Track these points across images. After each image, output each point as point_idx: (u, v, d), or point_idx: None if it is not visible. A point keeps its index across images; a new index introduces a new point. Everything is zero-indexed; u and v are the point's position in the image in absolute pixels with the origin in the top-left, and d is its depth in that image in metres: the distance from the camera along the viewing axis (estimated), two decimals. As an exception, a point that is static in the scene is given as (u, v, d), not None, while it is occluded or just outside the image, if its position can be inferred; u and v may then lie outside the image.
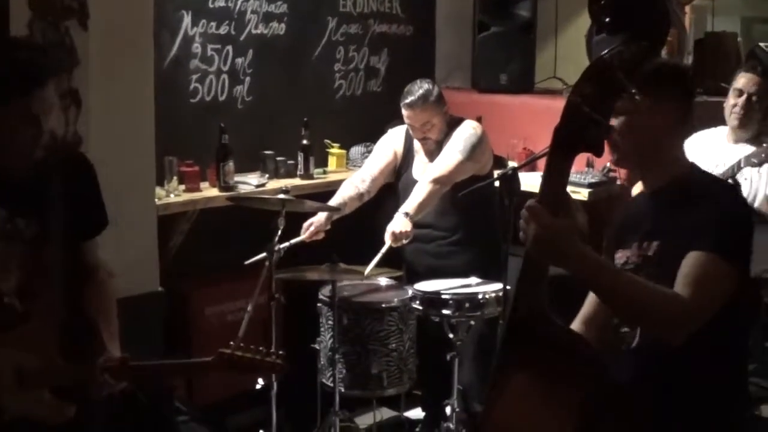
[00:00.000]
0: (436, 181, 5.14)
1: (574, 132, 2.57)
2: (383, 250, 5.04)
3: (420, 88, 5.26)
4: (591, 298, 3.06)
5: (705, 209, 2.76)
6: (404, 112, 5.28)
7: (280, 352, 3.40)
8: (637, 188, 5.07)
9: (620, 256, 2.95)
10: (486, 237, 5.31)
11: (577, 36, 6.71)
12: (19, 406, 3.20)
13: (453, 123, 5.36)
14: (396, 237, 5.02)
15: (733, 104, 5.03)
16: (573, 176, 5.59)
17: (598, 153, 2.58)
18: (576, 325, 3.10)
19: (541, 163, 5.05)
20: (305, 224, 5.23)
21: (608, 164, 5.72)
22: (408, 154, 5.52)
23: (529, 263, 2.69)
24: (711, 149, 5.12)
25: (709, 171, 3.21)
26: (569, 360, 2.68)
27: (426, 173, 5.24)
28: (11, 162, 3.17)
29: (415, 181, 5.34)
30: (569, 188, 5.34)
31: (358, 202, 5.43)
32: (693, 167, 2.99)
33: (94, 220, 3.51)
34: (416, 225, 5.19)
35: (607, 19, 2.59)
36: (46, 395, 3.21)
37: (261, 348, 3.35)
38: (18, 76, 3.06)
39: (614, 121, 2.85)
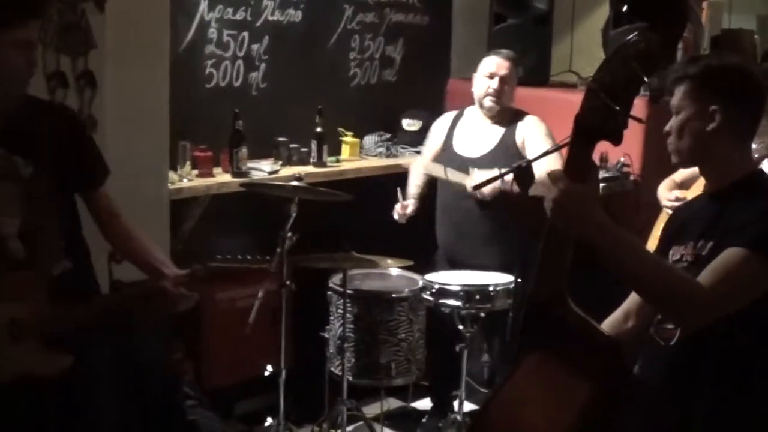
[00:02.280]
0: None
1: (592, 120, 2.57)
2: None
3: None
4: None
5: (751, 207, 2.75)
6: (491, 60, 5.41)
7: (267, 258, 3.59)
8: (663, 185, 5.09)
9: (674, 252, 2.94)
10: (509, 232, 5.25)
11: (594, 30, 6.68)
12: (13, 362, 3.22)
13: (516, 113, 5.43)
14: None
15: None
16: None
17: (616, 142, 2.57)
18: (617, 314, 3.10)
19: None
20: (404, 207, 5.46)
21: (622, 159, 5.71)
22: (450, 132, 5.56)
23: (549, 242, 2.69)
24: None
25: None
26: (582, 349, 2.68)
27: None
28: (7, 92, 3.26)
29: (457, 156, 5.41)
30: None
31: (429, 188, 5.61)
32: (758, 171, 2.98)
33: (100, 167, 3.62)
34: (452, 225, 5.38)
35: (624, 8, 2.59)
36: (39, 346, 3.24)
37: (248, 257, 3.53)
38: (16, 4, 3.21)
39: (671, 122, 2.89)
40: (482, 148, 5.39)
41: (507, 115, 5.40)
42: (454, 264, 5.36)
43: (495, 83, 5.32)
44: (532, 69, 6.49)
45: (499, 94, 5.33)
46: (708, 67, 2.87)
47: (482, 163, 5.24)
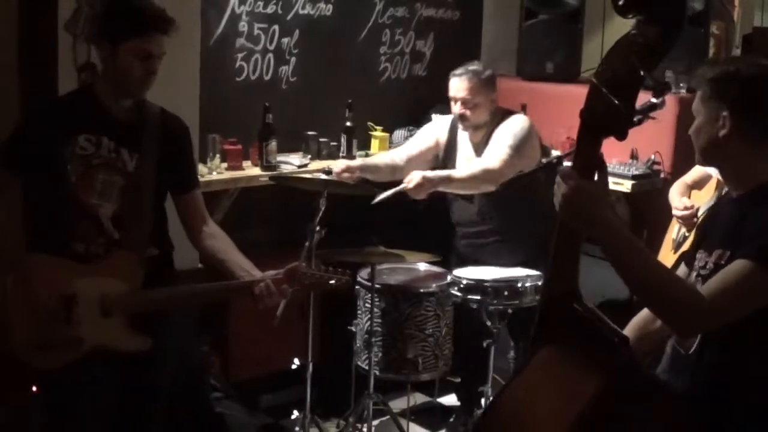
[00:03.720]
0: (488, 172, 5.02)
1: (595, 116, 2.57)
2: (398, 188, 4.99)
3: (473, 64, 5.25)
4: None
5: (761, 216, 2.72)
6: (450, 83, 5.21)
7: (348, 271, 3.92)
8: (675, 189, 5.08)
9: (699, 258, 2.92)
10: (533, 230, 5.24)
11: (625, 26, 6.62)
12: (99, 335, 3.56)
13: (501, 115, 5.26)
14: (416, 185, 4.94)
15: None
16: (617, 168, 5.56)
17: (620, 137, 2.57)
18: (644, 314, 3.09)
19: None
20: (339, 162, 5.29)
21: (653, 156, 5.69)
22: (452, 147, 5.43)
23: (562, 238, 2.69)
24: None
25: None
26: (591, 343, 2.68)
27: (476, 162, 5.18)
28: (124, 94, 3.70)
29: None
30: (613, 180, 5.34)
31: (389, 173, 5.36)
32: None
33: (194, 174, 4.05)
34: (464, 224, 5.33)
35: (620, 2, 2.56)
36: (125, 324, 3.61)
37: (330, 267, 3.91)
38: (145, 18, 3.62)
39: (697, 117, 2.87)
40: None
41: (493, 122, 5.25)
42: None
43: (457, 108, 5.20)
44: (563, 65, 6.48)
45: (463, 118, 5.21)
46: (723, 73, 2.83)
47: None
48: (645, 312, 3.10)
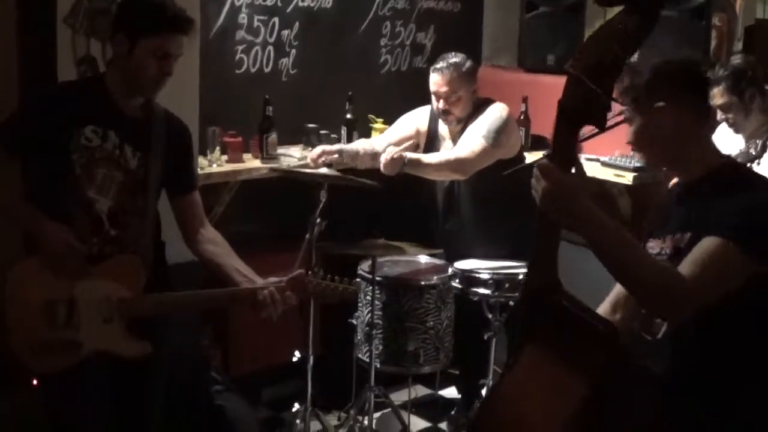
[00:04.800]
0: (459, 162, 5.05)
1: (574, 104, 2.57)
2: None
3: (454, 57, 5.19)
4: None
5: (732, 198, 2.75)
6: (431, 78, 5.19)
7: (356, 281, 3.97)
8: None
9: (653, 246, 2.96)
10: (522, 223, 5.24)
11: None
12: (99, 339, 3.53)
13: (479, 104, 5.24)
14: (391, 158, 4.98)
15: None
16: (618, 160, 5.55)
17: (600, 126, 2.57)
18: (605, 305, 3.11)
19: (585, 145, 5.05)
20: (316, 149, 5.23)
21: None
22: (433, 139, 5.43)
23: (542, 231, 2.69)
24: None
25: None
26: (580, 336, 2.69)
27: (451, 151, 5.16)
28: (136, 92, 3.67)
29: None
30: (615, 172, 5.32)
31: (369, 159, 5.29)
32: (728, 160, 2.99)
33: (194, 176, 4.06)
34: (455, 217, 5.34)
35: None
36: (125, 328, 3.56)
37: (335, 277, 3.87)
38: (169, 16, 3.57)
39: (633, 124, 2.91)
40: None
41: (471, 113, 5.24)
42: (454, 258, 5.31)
43: (441, 104, 5.19)
44: (564, 57, 6.44)
45: (446, 113, 5.21)
46: (655, 70, 2.91)
47: None
48: (606, 304, 3.12)
